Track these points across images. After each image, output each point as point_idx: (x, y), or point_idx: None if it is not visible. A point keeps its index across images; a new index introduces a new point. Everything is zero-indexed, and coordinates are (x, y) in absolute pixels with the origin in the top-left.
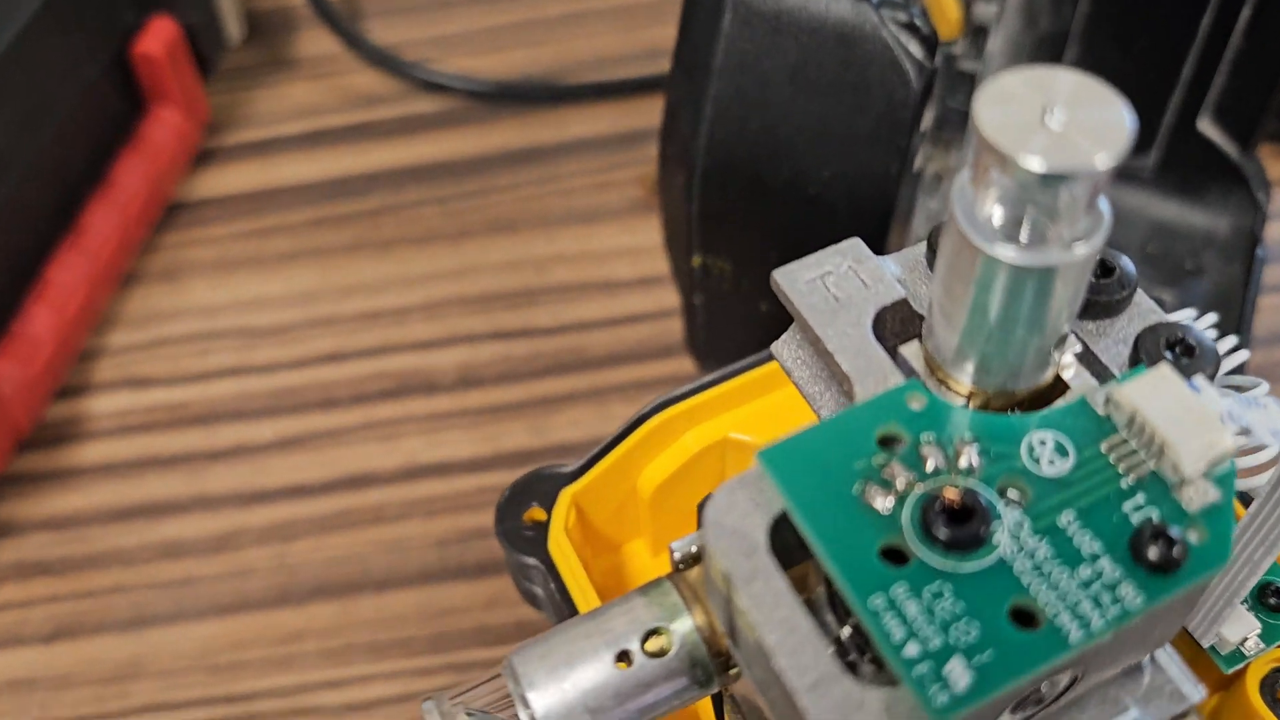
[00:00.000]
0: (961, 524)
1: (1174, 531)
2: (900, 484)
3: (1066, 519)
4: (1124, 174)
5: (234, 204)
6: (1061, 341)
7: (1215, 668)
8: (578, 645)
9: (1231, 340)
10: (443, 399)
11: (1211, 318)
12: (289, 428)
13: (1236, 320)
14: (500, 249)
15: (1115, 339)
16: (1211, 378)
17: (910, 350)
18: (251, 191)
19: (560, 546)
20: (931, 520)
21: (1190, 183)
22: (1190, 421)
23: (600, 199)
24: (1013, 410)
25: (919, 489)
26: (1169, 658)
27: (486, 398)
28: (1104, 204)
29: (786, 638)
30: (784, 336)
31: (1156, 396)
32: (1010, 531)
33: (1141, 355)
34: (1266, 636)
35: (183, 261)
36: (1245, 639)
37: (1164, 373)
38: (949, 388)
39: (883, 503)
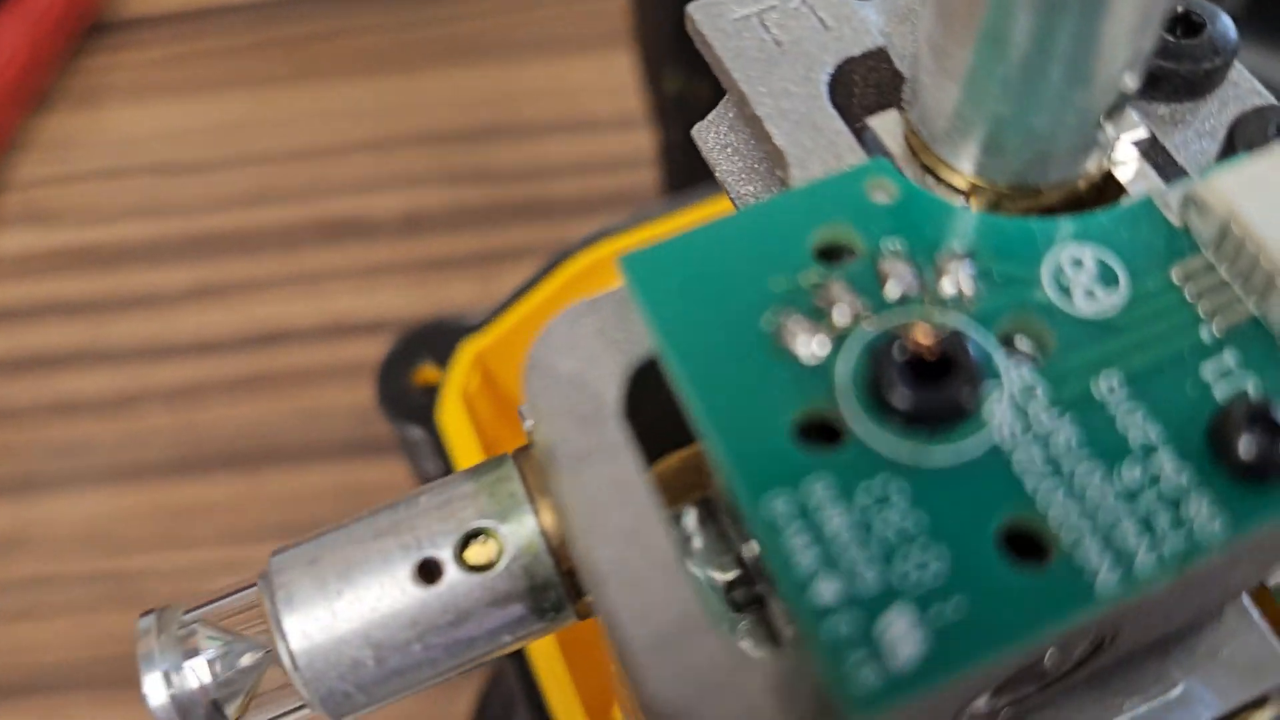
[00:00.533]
0: (934, 384)
1: None
2: (841, 317)
3: (1108, 386)
4: None
5: (165, 24)
6: (1118, 105)
7: None
8: (363, 549)
9: None
10: (381, 248)
11: None
12: (205, 276)
13: None
14: (458, 80)
15: (1199, 129)
16: None
17: (885, 121)
18: (185, 10)
19: (454, 416)
20: (886, 376)
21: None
22: None
23: (577, 27)
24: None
25: (870, 326)
26: (1245, 614)
27: (431, 248)
28: None
29: (625, 559)
30: (711, 114)
31: (1267, 196)
32: (1015, 403)
33: (1239, 149)
34: None
35: (102, 86)
36: None
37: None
38: (940, 178)
39: (808, 346)
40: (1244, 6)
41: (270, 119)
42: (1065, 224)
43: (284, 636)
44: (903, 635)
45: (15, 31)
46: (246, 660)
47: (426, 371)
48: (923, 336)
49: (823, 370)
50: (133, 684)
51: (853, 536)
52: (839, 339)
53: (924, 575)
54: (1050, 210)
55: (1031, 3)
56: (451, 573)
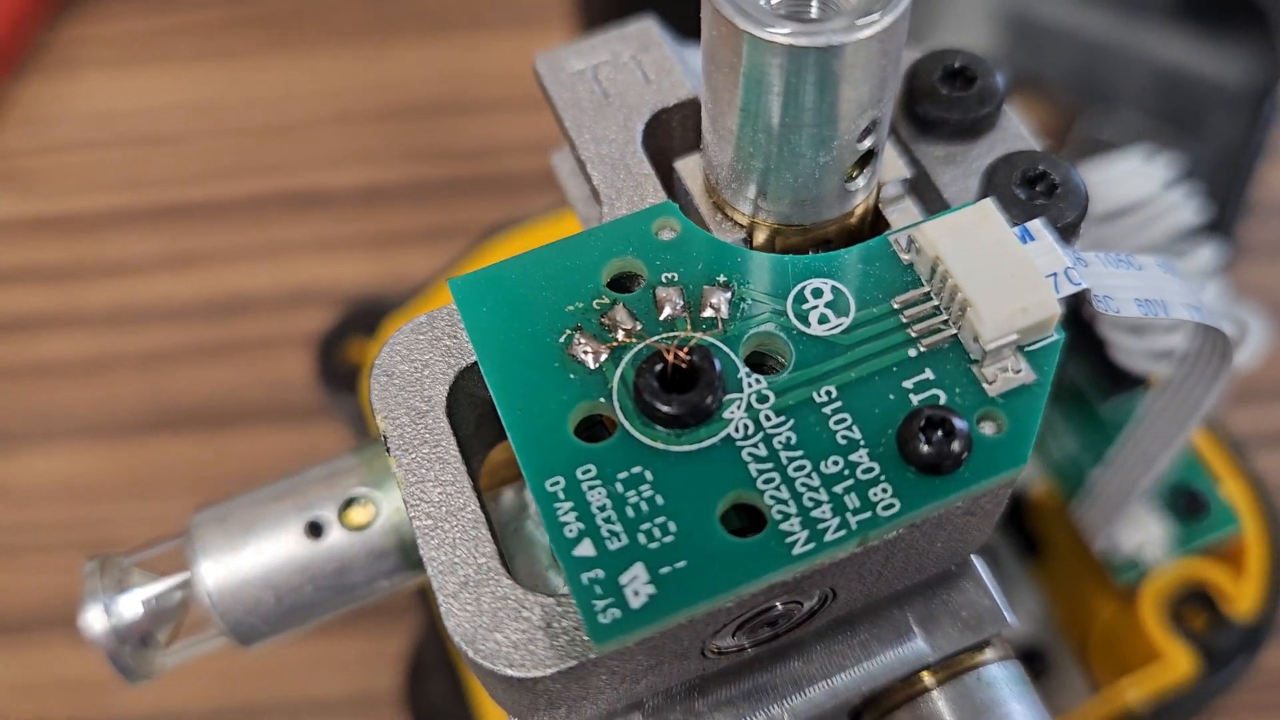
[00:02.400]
0: (683, 391)
1: (958, 421)
2: (621, 335)
3: (825, 395)
4: (1131, 10)
5: None
6: (865, 161)
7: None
8: (263, 510)
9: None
10: (343, 221)
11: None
12: (175, 246)
13: (1236, 184)
14: (424, 57)
15: (967, 169)
16: (1072, 227)
17: (688, 165)
18: None
19: None
20: (646, 383)
21: (1204, 24)
22: (1004, 275)
23: (540, 6)
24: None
25: (641, 343)
26: (977, 573)
27: (391, 221)
28: None
29: (439, 523)
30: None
31: (968, 241)
32: (749, 407)
33: (990, 191)
34: (1179, 544)
35: (78, 58)
36: (1142, 546)
37: (985, 211)
38: (727, 215)
39: (592, 357)
40: (1182, 2)
41: (240, 93)
42: (813, 260)
43: (200, 579)
44: (638, 585)
45: None
46: (174, 598)
47: (359, 345)
48: (675, 352)
49: (602, 378)
50: None
51: (610, 509)
52: (616, 353)
53: (661, 540)
54: (827, 242)
55: (776, 89)
56: (335, 531)
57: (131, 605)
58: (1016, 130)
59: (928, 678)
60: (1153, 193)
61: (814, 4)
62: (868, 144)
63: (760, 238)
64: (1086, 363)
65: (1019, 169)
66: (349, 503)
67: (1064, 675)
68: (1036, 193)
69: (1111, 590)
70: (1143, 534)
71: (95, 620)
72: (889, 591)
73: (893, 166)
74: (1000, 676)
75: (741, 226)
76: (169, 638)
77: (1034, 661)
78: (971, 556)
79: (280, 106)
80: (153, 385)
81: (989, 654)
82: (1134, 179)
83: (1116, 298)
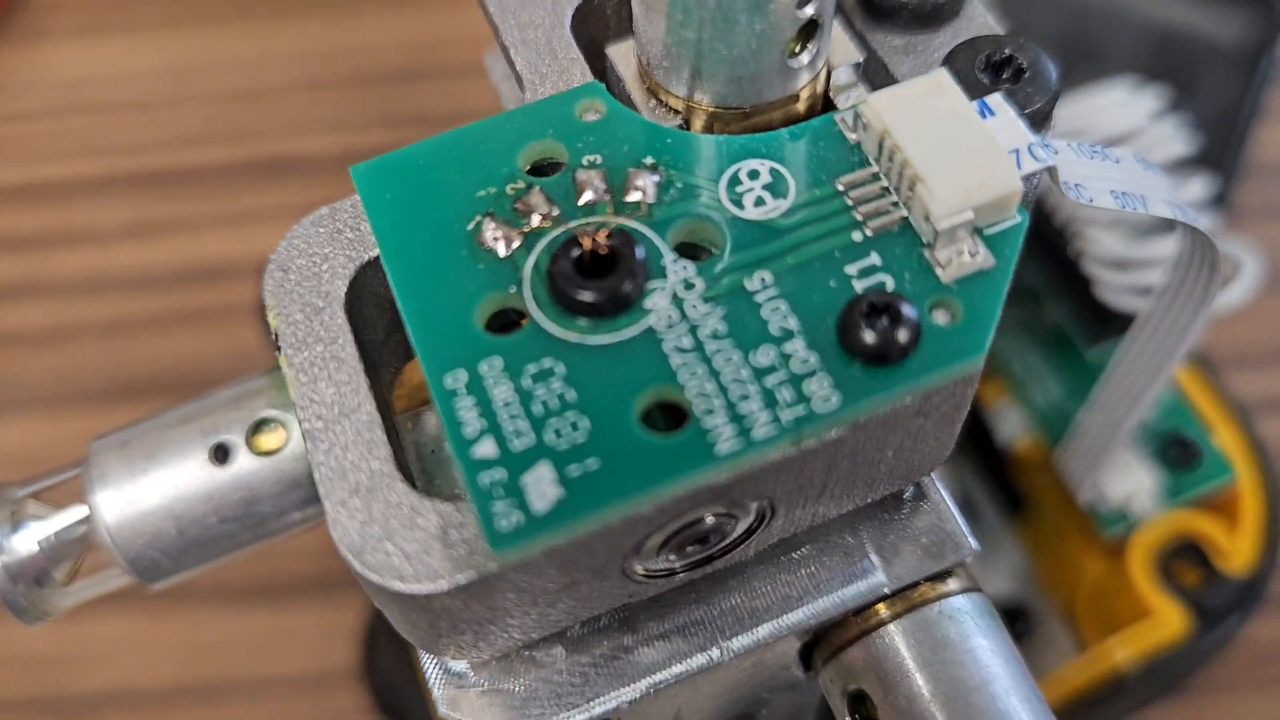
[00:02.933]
0: (601, 278)
1: (906, 307)
2: (535, 220)
3: (760, 282)
4: None
5: None
6: (808, 33)
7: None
8: (167, 435)
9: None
10: (315, 188)
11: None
12: (144, 214)
13: (1231, 145)
14: (395, 24)
15: (927, 59)
16: (1042, 114)
17: (620, 50)
18: None
19: None
20: (560, 269)
21: None
22: (959, 148)
23: None
24: None
25: (557, 229)
26: (937, 496)
27: None
28: None
29: (330, 425)
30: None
31: (920, 113)
32: (674, 296)
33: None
34: (1169, 495)
35: (51, 25)
36: (1131, 497)
37: (939, 80)
38: (661, 100)
39: (504, 244)
40: None
41: (211, 60)
42: (748, 140)
43: (97, 509)
44: (542, 487)
45: None
46: (73, 533)
47: None
48: (590, 237)
49: (512, 266)
50: None
51: (515, 406)
52: (529, 239)
53: (570, 439)
54: (770, 129)
55: None
56: (242, 456)
57: (25, 541)
58: (982, 19)
59: (883, 610)
60: (1140, 124)
61: None
62: (809, 10)
63: (698, 124)
64: (1072, 305)
65: (983, 53)
66: (258, 426)
67: (1049, 635)
68: (1002, 79)
69: (1099, 545)
70: (1131, 484)
71: None
72: (838, 511)
73: (843, 49)
74: (964, 609)
75: (677, 112)
76: (68, 576)
77: (1017, 621)
78: (932, 477)
79: (251, 72)
80: (118, 354)
81: (951, 584)
82: (1120, 110)
83: (1089, 186)
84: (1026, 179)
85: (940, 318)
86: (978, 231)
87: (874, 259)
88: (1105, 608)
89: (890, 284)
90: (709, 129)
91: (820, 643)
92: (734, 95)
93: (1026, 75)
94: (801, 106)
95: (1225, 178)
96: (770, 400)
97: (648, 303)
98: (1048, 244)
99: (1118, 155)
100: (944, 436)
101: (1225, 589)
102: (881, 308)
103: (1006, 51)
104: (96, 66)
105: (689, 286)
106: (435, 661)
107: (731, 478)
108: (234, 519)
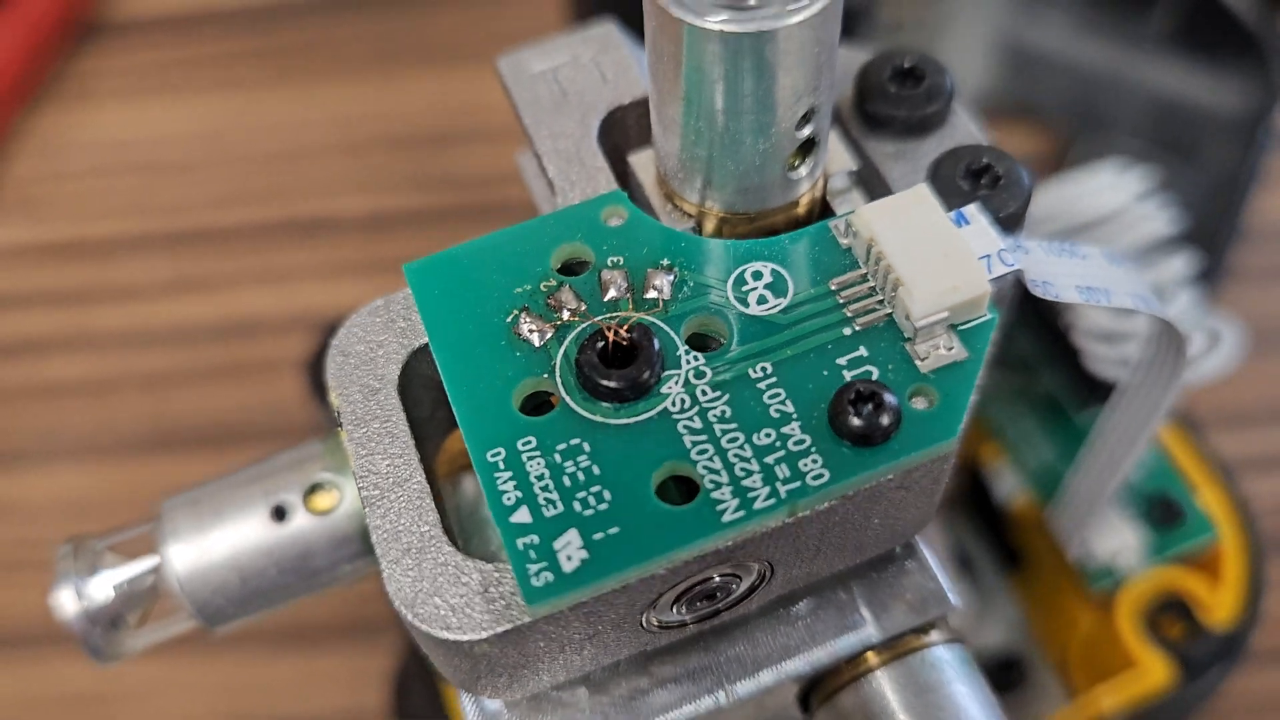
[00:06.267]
0: (622, 366)
1: (888, 395)
2: (565, 315)
3: (762, 371)
4: (1127, 39)
5: (153, 29)
6: (806, 149)
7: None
8: (231, 495)
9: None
10: (348, 247)
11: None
12: (184, 270)
13: (1229, 211)
14: (429, 88)
15: (916, 164)
16: (1015, 217)
17: (641, 158)
18: (173, 16)
19: None
20: (587, 359)
21: (1199, 52)
22: (936, 255)
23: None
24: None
25: (585, 322)
26: (922, 556)
27: (395, 248)
28: None
29: (385, 493)
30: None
31: (902, 223)
32: (686, 382)
33: (936, 183)
34: (1153, 552)
35: (97, 89)
36: (1117, 554)
37: (920, 195)
38: (677, 205)
39: (538, 336)
40: (1175, 28)
41: (249, 122)
42: (755, 244)
43: (168, 561)
44: (571, 550)
45: (13, 33)
46: (144, 581)
47: None
48: (613, 331)
49: (545, 355)
50: None
51: (546, 479)
52: (561, 331)
53: (596, 508)
54: (774, 231)
55: (713, 76)
56: (299, 515)
57: (102, 587)
58: (966, 128)
59: (873, 658)
60: (1126, 204)
61: None
62: (807, 131)
63: (709, 227)
64: (1062, 373)
65: (963, 162)
66: (314, 488)
67: (1043, 684)
68: (980, 184)
69: (1090, 600)
70: (1117, 541)
71: (67, 601)
72: (831, 570)
73: (839, 159)
74: (945, 658)
75: (691, 216)
76: (139, 620)
77: (1011, 670)
78: (918, 539)
79: (287, 135)
80: (156, 406)
81: (934, 635)
82: (1108, 192)
83: (1056, 284)
84: (997, 280)
85: (919, 404)
86: (953, 327)
87: (862, 351)
88: (1095, 659)
89: (875, 374)
90: (719, 231)
91: (816, 687)
92: (741, 203)
93: (1001, 182)
94: (802, 210)
95: (1224, 243)
96: (770, 476)
97: (663, 389)
98: (1041, 317)
99: (1085, 252)
100: (925, 505)
101: (1208, 642)
102: (867, 395)
103: (984, 161)
104: (140, 129)
105: (700, 375)
106: (473, 700)
107: (735, 543)
108: (291, 570)
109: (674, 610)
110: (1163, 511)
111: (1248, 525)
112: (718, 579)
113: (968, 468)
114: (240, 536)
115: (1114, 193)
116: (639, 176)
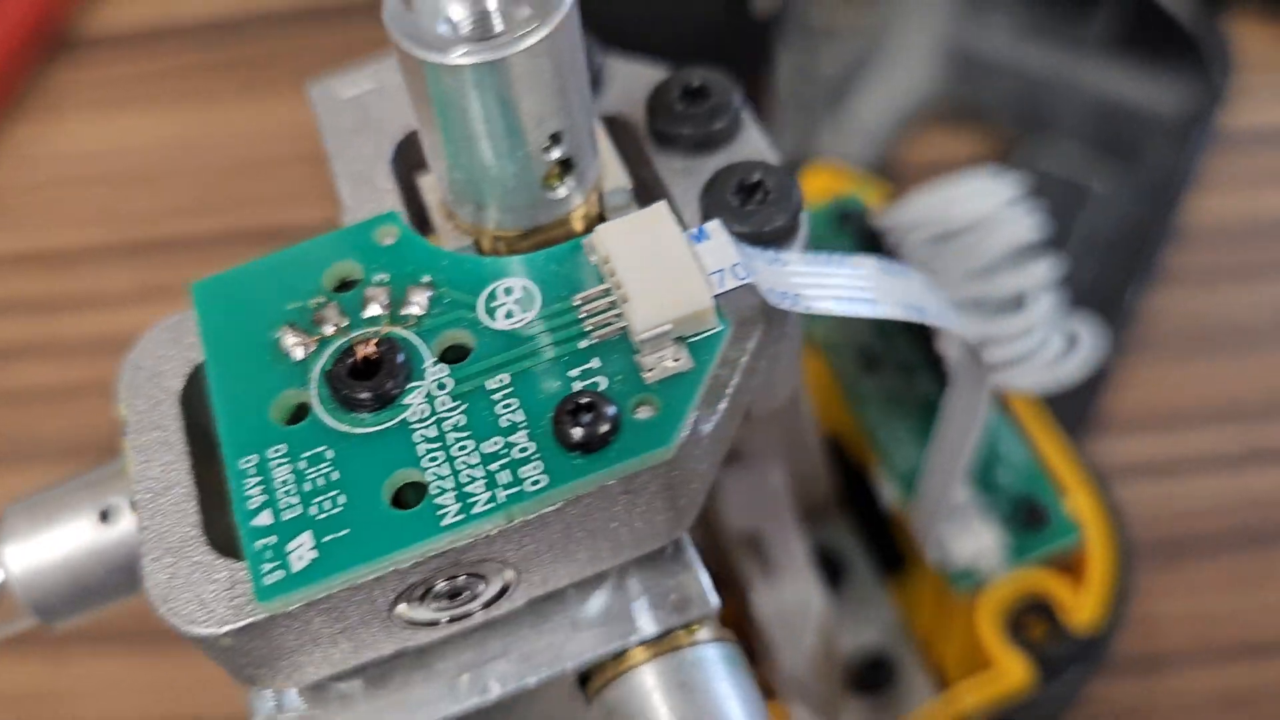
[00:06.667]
0: (368, 379)
1: (606, 405)
2: (328, 330)
3: (499, 382)
4: (1070, 43)
5: (124, 43)
6: (565, 168)
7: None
8: (64, 500)
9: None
10: None
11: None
12: (150, 279)
13: (1162, 211)
14: None
15: (699, 178)
16: (784, 231)
17: (429, 181)
18: (141, 31)
19: None
20: (337, 372)
21: (1140, 55)
22: (663, 271)
23: None
24: None
25: (342, 337)
26: (688, 558)
27: None
28: None
29: (156, 496)
30: None
31: (637, 240)
32: (428, 394)
33: (707, 199)
34: (1015, 554)
35: (69, 101)
36: (977, 555)
37: (658, 213)
38: (455, 224)
39: (301, 350)
40: (1117, 32)
41: (214, 133)
42: (509, 261)
43: (5, 563)
44: (302, 551)
45: None
46: None
47: None
48: (364, 345)
49: (304, 368)
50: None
51: (292, 484)
52: (321, 345)
53: (330, 512)
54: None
55: (454, 105)
56: (125, 518)
57: None
58: (754, 145)
59: (639, 654)
60: (994, 209)
61: (497, 21)
62: (556, 154)
63: (485, 244)
64: (934, 376)
65: (736, 178)
66: None
67: (911, 684)
68: (751, 200)
69: (961, 601)
70: (977, 544)
71: None
72: (591, 570)
73: (614, 176)
74: (710, 657)
75: (467, 234)
76: None
77: (879, 670)
78: (686, 543)
79: (251, 146)
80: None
81: (700, 634)
82: (977, 198)
83: (807, 295)
84: (726, 294)
85: (643, 413)
86: (682, 340)
87: (595, 363)
88: (966, 660)
89: (604, 384)
90: (495, 250)
91: (589, 678)
92: (509, 220)
93: (770, 197)
94: (579, 226)
95: (1156, 242)
96: (492, 482)
97: (406, 399)
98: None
99: (858, 262)
100: (669, 510)
101: (1068, 644)
102: (587, 405)
103: (756, 177)
104: (108, 140)
105: (442, 386)
106: (255, 690)
107: (458, 545)
108: (119, 570)
109: (424, 608)
110: (1028, 514)
111: (1118, 529)
112: (463, 579)
113: (853, 470)
114: (70, 539)
115: (984, 199)
116: (426, 197)
